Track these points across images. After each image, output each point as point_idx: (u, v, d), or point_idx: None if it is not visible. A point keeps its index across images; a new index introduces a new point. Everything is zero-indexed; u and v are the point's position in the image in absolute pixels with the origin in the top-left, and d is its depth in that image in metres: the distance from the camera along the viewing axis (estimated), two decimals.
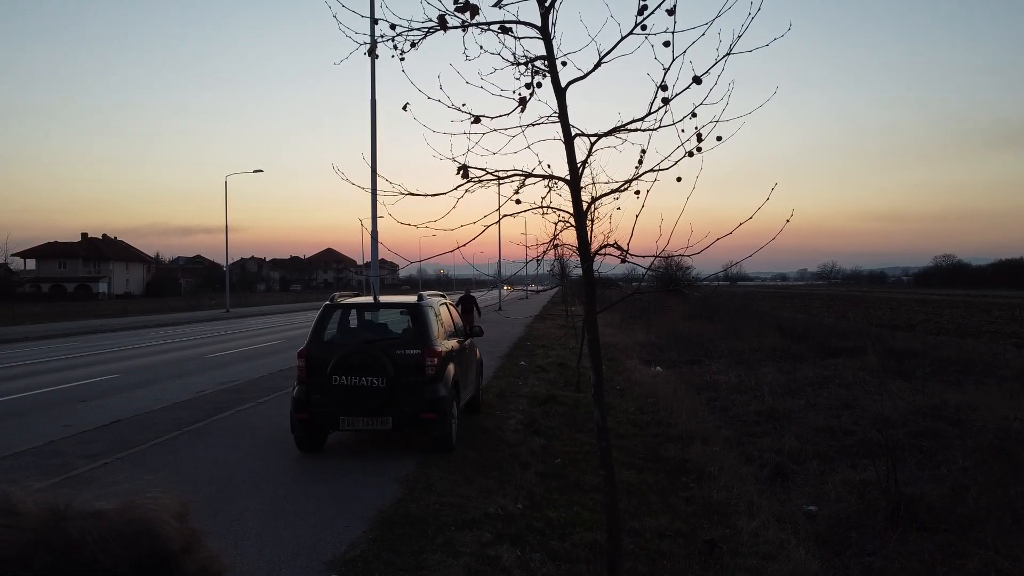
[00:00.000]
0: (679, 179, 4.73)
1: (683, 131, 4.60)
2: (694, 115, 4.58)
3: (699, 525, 6.43)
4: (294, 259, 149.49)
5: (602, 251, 4.33)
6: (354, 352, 8.42)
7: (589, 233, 4.37)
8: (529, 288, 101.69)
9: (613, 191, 4.54)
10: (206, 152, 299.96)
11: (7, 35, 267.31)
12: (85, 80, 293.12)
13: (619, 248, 4.11)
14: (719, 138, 4.61)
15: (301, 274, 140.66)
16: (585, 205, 4.50)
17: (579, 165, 4.43)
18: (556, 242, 4.80)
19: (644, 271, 4.55)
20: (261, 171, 49.68)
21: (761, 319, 31.88)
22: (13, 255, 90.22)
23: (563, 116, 4.39)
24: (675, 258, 5.26)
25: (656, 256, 4.18)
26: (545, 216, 5.07)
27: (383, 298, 10.15)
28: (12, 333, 31.29)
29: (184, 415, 11.65)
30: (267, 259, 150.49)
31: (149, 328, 35.47)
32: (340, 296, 9.52)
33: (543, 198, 4.97)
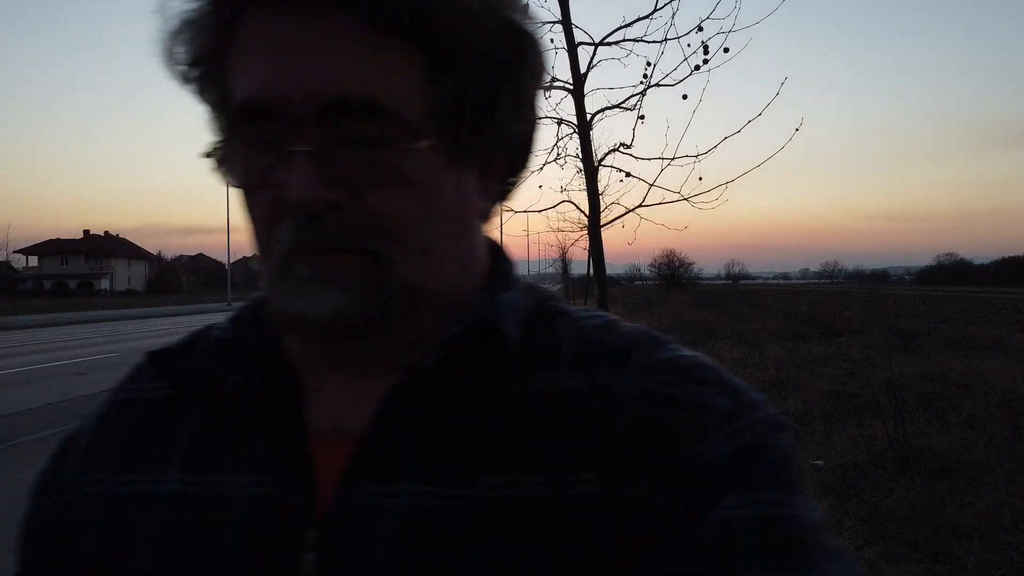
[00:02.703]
0: (685, 96, 4.63)
1: (689, 45, 4.50)
2: (700, 29, 4.49)
3: None
4: None
5: (609, 155, 4.21)
6: None
7: (593, 145, 4.27)
8: None
9: (618, 104, 4.44)
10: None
11: (9, 32, 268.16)
12: (88, 78, 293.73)
13: (626, 147, 4.00)
14: (726, 49, 4.50)
15: None
16: (589, 116, 4.39)
17: (582, 74, 4.32)
18: (561, 152, 4.69)
19: (649, 186, 4.44)
20: None
21: (765, 309, 31.74)
22: (15, 252, 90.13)
23: (566, 21, 4.29)
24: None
25: (663, 158, 4.06)
26: (557, 154, 4.95)
27: None
28: (13, 322, 31.25)
29: None
30: None
31: (150, 318, 35.47)
32: None
33: (553, 145, 4.87)
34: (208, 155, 0.61)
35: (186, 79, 0.63)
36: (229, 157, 0.60)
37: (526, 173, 0.70)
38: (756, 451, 0.55)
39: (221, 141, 0.61)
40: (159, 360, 0.68)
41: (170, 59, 0.62)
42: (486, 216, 0.67)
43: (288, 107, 0.55)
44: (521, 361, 0.62)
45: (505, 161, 0.66)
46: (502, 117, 0.61)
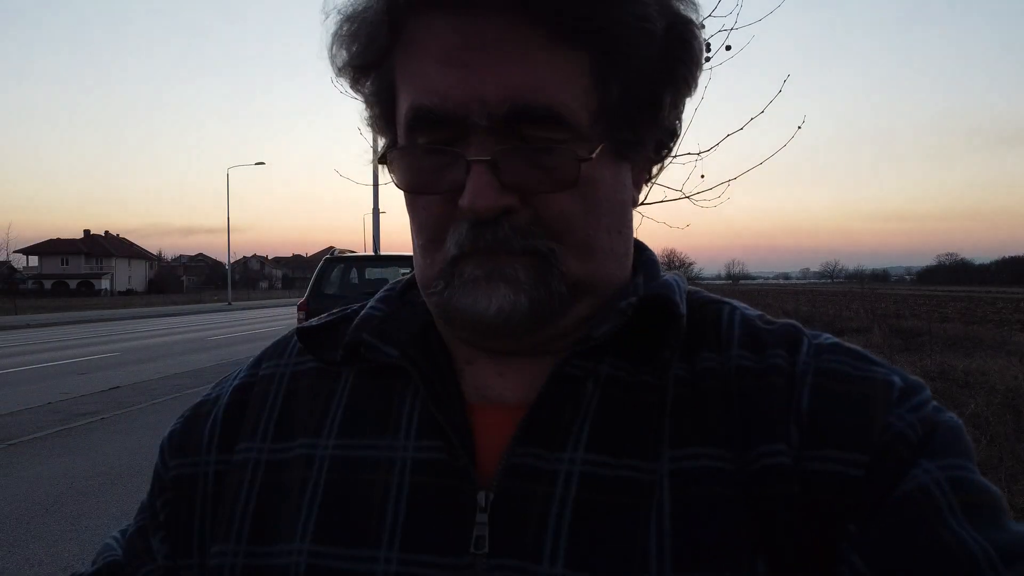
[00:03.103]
0: None
1: None
2: (702, 27, 4.46)
3: None
4: (296, 257, 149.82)
5: None
6: (355, 300, 8.24)
7: None
8: None
9: None
10: (209, 153, 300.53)
11: (9, 33, 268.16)
12: (88, 78, 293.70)
13: None
14: (728, 47, 4.49)
15: (303, 272, 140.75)
16: None
17: None
18: None
19: (651, 184, 4.41)
20: (263, 163, 49.77)
21: (765, 308, 31.65)
22: (15, 252, 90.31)
23: None
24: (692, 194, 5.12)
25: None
26: None
27: (384, 252, 10.07)
28: (14, 321, 31.25)
29: (183, 382, 11.61)
30: (269, 257, 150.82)
31: (151, 317, 35.41)
32: (340, 251, 9.44)
33: None
34: (380, 158, 0.64)
35: (353, 77, 0.64)
36: (398, 161, 0.62)
37: (670, 157, 0.72)
38: (935, 423, 0.58)
39: (391, 145, 0.63)
40: (308, 336, 0.71)
41: (340, 54, 0.63)
42: (636, 203, 0.69)
43: (466, 116, 0.57)
44: (687, 340, 0.64)
45: (657, 149, 0.68)
46: (666, 112, 0.63)
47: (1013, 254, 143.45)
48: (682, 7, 0.61)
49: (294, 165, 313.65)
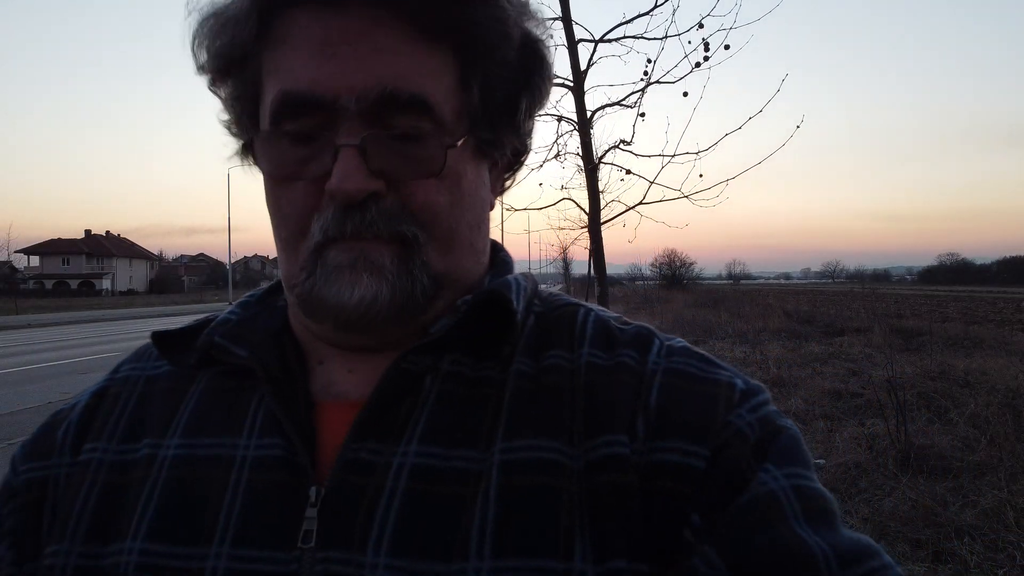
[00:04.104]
0: (685, 94, 4.61)
1: (690, 42, 4.48)
2: (701, 26, 4.46)
3: None
4: None
5: (609, 152, 4.18)
6: None
7: (593, 142, 4.25)
8: None
9: (618, 101, 4.42)
10: (209, 153, 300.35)
11: (9, 32, 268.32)
12: (89, 77, 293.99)
13: (626, 144, 3.97)
14: (727, 47, 4.48)
15: None
16: (589, 113, 4.37)
17: (582, 71, 4.30)
18: (561, 149, 4.67)
19: (649, 184, 4.41)
20: None
21: (766, 308, 31.67)
22: (16, 252, 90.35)
23: (566, 18, 4.27)
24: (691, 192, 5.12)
25: (664, 156, 4.04)
26: (557, 158, 4.93)
27: None
28: (15, 321, 31.25)
29: None
30: (270, 257, 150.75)
31: (152, 317, 35.43)
32: None
33: (554, 142, 4.84)
34: (242, 147, 0.64)
35: (216, 72, 0.65)
36: (263, 149, 0.62)
37: (521, 171, 0.75)
38: (777, 429, 0.62)
39: (255, 133, 0.63)
40: (162, 340, 0.72)
41: (202, 51, 0.64)
42: (492, 206, 0.72)
43: (335, 100, 0.58)
44: (534, 338, 0.67)
45: (510, 157, 0.71)
46: (522, 116, 0.67)
47: (1014, 254, 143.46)
48: (535, 25, 0.65)
49: None
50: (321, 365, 0.68)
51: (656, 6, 4.11)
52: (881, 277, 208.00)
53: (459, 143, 0.62)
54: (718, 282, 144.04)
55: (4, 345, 19.92)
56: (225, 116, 0.69)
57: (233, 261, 65.53)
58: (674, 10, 4.20)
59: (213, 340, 0.68)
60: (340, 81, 0.58)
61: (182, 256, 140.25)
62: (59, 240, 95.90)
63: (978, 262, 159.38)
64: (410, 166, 0.60)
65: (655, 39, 4.41)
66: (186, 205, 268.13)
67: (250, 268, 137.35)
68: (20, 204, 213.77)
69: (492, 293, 0.65)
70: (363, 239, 0.59)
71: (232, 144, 0.71)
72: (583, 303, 0.73)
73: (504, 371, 0.64)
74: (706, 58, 4.46)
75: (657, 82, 4.43)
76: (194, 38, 0.65)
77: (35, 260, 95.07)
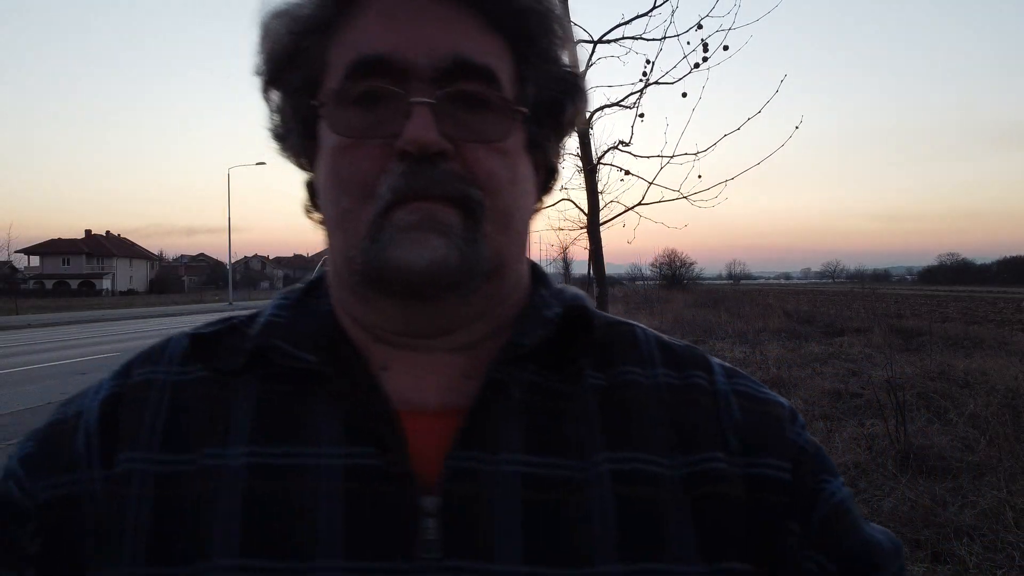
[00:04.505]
0: (684, 94, 4.61)
1: (688, 43, 4.49)
2: (700, 27, 4.47)
3: None
4: (297, 257, 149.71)
5: (608, 153, 4.18)
6: None
7: (592, 143, 4.25)
8: None
9: (617, 102, 4.42)
10: (209, 153, 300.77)
11: (10, 33, 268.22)
12: (89, 77, 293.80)
13: (625, 145, 3.98)
14: (726, 47, 4.49)
15: (305, 272, 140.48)
16: (588, 114, 4.37)
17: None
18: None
19: (648, 184, 4.42)
20: (264, 163, 49.70)
21: (766, 308, 31.66)
22: (17, 252, 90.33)
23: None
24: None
25: (663, 157, 4.04)
26: None
27: None
28: (15, 321, 31.26)
29: None
30: (270, 257, 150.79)
31: (152, 317, 35.42)
32: None
33: None
34: (318, 106, 0.64)
35: (282, 59, 0.67)
36: (332, 112, 0.63)
37: (551, 195, 0.77)
38: (816, 444, 0.70)
39: (327, 96, 0.64)
40: (201, 343, 0.70)
41: (269, 40, 0.67)
42: (534, 215, 0.72)
43: (411, 62, 0.61)
44: (604, 354, 0.70)
45: (545, 173, 0.73)
46: (565, 121, 0.70)
47: (1014, 254, 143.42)
48: (573, 46, 0.70)
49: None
50: (385, 371, 0.66)
51: (655, 7, 4.12)
52: (881, 277, 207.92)
53: (520, 114, 0.64)
54: (718, 282, 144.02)
55: (4, 345, 19.92)
56: (275, 117, 0.71)
57: (233, 261, 65.64)
58: (673, 11, 4.20)
59: (273, 343, 0.65)
60: (415, 45, 0.61)
61: (182, 256, 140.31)
62: (59, 240, 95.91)
63: (978, 262, 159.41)
64: (476, 130, 0.62)
65: (654, 40, 4.41)
66: (186, 205, 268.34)
67: (250, 268, 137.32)
68: (20, 204, 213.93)
69: (580, 309, 0.68)
70: (430, 199, 0.60)
71: (271, 147, 0.73)
72: (631, 321, 0.77)
73: (576, 383, 0.67)
74: (705, 59, 4.46)
75: (656, 83, 4.44)
76: (265, 27, 0.67)
77: (35, 260, 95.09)
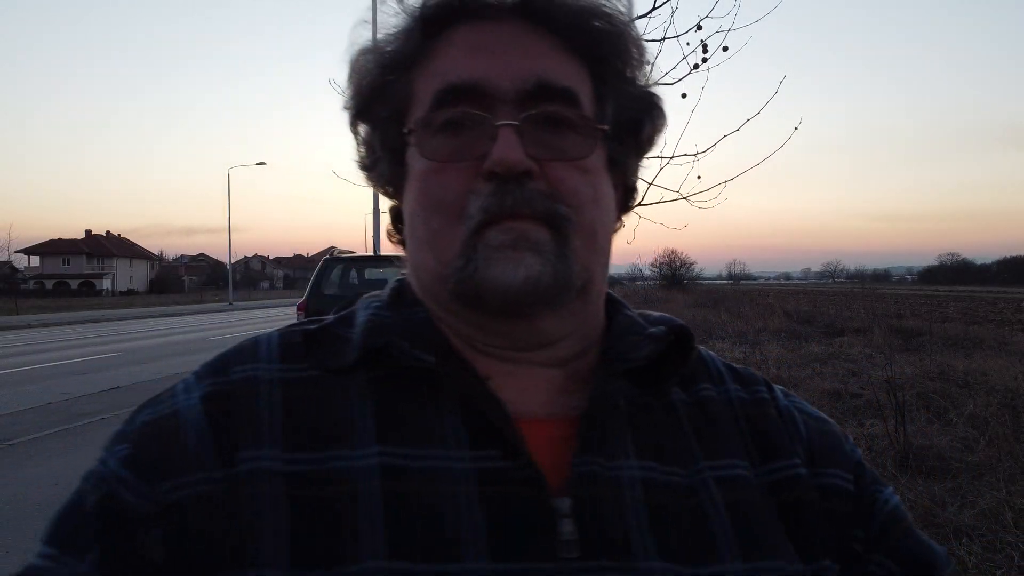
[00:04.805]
0: (684, 95, 4.61)
1: (688, 44, 4.48)
2: (699, 28, 4.47)
3: None
4: (297, 257, 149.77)
5: None
6: (354, 301, 8.26)
7: None
8: None
9: None
10: (209, 153, 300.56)
11: (9, 32, 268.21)
12: (89, 77, 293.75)
13: None
14: (725, 48, 4.49)
15: (305, 272, 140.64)
16: None
17: None
18: None
19: (648, 185, 4.41)
20: (264, 163, 49.98)
21: (766, 308, 31.64)
22: (17, 252, 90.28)
23: None
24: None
25: (662, 157, 4.04)
26: None
27: (383, 252, 10.10)
28: (15, 321, 31.27)
29: None
30: (270, 257, 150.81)
31: (152, 318, 35.41)
32: (340, 251, 9.47)
33: None
34: (407, 133, 0.67)
35: (383, 80, 0.69)
36: (420, 138, 0.66)
37: (629, 214, 0.78)
38: (862, 457, 0.76)
39: (416, 123, 0.67)
40: (315, 342, 0.69)
41: (371, 61, 0.70)
42: (615, 233, 0.74)
43: (495, 88, 0.64)
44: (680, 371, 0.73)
45: (623, 192, 0.75)
46: (644, 139, 0.72)
47: (1014, 254, 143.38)
48: (648, 65, 0.72)
49: (295, 165, 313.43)
50: (489, 381, 0.66)
51: (655, 7, 4.11)
52: (881, 277, 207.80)
53: (601, 132, 0.67)
54: (718, 282, 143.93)
55: (4, 345, 19.93)
56: (361, 148, 0.74)
57: (233, 261, 65.58)
58: (672, 12, 4.20)
59: (394, 342, 0.64)
60: (499, 71, 0.64)
61: (182, 256, 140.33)
62: (59, 240, 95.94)
63: (978, 262, 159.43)
64: (560, 149, 0.64)
65: (653, 40, 4.40)
66: (186, 205, 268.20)
67: (250, 268, 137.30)
68: (20, 204, 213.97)
69: (686, 330, 0.72)
70: (520, 218, 0.62)
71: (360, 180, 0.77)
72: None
73: (663, 398, 0.71)
74: (704, 60, 4.46)
75: (655, 84, 4.43)
76: (354, 64, 0.71)
77: (35, 260, 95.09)
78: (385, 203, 0.77)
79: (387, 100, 0.69)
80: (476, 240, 0.62)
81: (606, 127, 0.67)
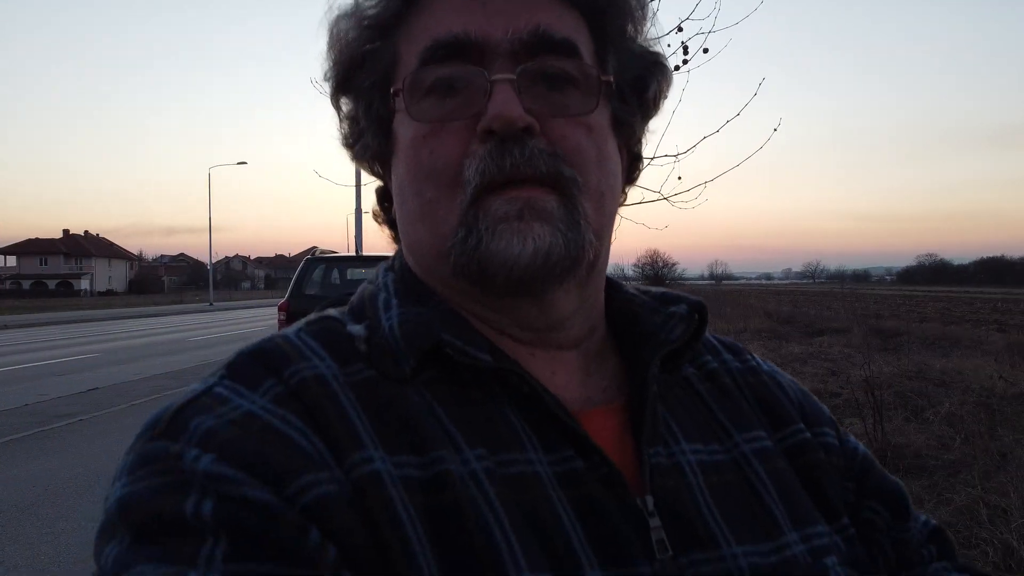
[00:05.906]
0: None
1: (669, 45, 4.52)
2: (680, 29, 4.50)
3: None
4: (279, 257, 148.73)
5: None
6: (336, 302, 8.21)
7: None
8: None
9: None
10: (190, 153, 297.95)
11: None
12: (67, 75, 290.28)
13: None
14: (706, 50, 4.52)
15: (286, 272, 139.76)
16: None
17: None
18: None
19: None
20: (245, 163, 49.47)
21: (747, 308, 31.83)
22: None
23: None
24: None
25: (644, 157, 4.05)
26: None
27: (366, 252, 10.07)
28: None
29: (163, 383, 11.49)
30: (252, 257, 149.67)
31: (132, 318, 35.01)
32: (322, 251, 9.45)
33: None
34: (394, 96, 0.62)
35: (364, 45, 0.64)
36: (409, 99, 0.61)
37: (634, 185, 0.73)
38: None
39: (402, 84, 0.61)
40: (360, 343, 0.61)
41: (351, 26, 0.65)
42: (620, 201, 0.69)
43: (489, 42, 0.59)
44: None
45: (628, 160, 0.70)
46: (650, 97, 0.68)
47: (991, 255, 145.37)
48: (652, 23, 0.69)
49: (277, 165, 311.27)
50: (532, 371, 0.61)
51: None
52: (861, 277, 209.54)
53: (604, 86, 0.61)
54: (700, 282, 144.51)
55: None
56: (344, 125, 0.69)
57: (214, 261, 65.04)
58: (654, 14, 4.23)
59: (448, 341, 0.58)
60: (491, 23, 0.59)
61: (162, 256, 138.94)
62: (37, 240, 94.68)
63: (956, 263, 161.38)
64: (561, 104, 0.59)
65: None
66: (166, 205, 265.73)
67: (231, 268, 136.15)
68: None
69: (703, 307, 0.70)
70: (524, 184, 0.57)
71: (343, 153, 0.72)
72: None
73: (676, 374, 0.69)
74: (685, 61, 4.49)
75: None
76: (332, 31, 0.66)
77: (12, 260, 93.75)
78: (368, 203, 0.74)
79: (370, 67, 0.64)
80: (476, 209, 0.57)
81: (610, 78, 0.62)
